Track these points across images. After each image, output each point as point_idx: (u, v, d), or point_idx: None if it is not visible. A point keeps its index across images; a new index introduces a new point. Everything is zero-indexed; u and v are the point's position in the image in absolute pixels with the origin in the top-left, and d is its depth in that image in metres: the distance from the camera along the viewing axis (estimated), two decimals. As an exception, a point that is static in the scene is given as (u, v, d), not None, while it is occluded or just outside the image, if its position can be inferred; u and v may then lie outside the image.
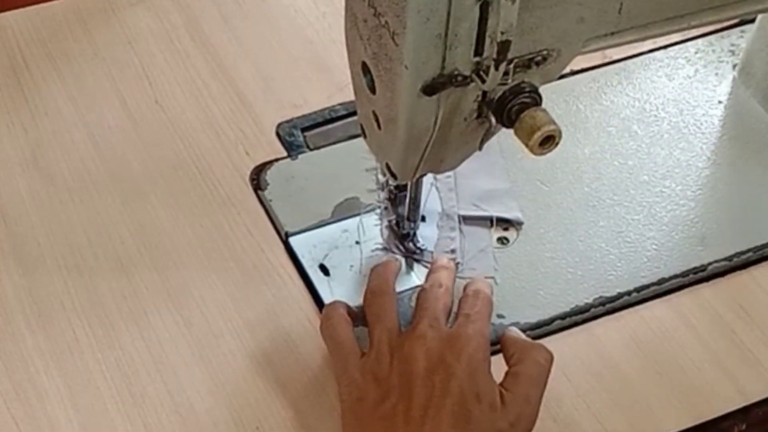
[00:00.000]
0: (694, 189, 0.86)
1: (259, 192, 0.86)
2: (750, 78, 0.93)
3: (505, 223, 0.84)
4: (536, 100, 0.63)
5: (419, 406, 0.66)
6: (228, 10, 1.00)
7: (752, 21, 0.92)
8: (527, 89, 0.63)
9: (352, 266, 0.81)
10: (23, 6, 0.99)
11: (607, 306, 0.80)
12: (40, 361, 0.76)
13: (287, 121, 0.91)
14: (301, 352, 0.77)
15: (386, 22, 0.60)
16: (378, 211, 0.83)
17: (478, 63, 0.62)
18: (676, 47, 0.97)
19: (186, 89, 0.94)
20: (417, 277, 0.80)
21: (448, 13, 0.58)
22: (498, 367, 0.71)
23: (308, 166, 0.87)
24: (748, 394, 0.76)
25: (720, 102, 0.93)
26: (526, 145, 0.63)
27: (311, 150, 0.89)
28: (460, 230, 0.83)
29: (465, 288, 0.75)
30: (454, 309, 0.74)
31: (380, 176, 0.84)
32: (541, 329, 0.78)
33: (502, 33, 0.59)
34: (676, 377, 0.76)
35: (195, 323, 0.78)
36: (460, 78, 0.62)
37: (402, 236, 0.81)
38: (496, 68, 0.61)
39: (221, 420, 0.74)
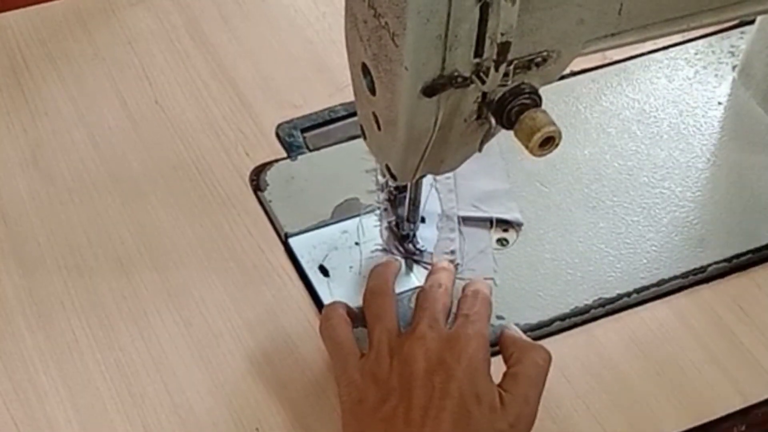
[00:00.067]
0: (694, 190, 0.86)
1: (259, 193, 0.86)
2: (750, 79, 0.93)
3: (504, 224, 0.84)
4: (536, 102, 0.63)
5: (419, 408, 0.66)
6: (228, 10, 1.00)
7: (752, 22, 0.92)
8: (527, 90, 0.63)
9: (351, 267, 0.81)
10: (23, 6, 0.99)
11: (607, 307, 0.80)
12: (40, 361, 0.76)
13: (287, 122, 0.91)
14: (301, 353, 0.77)
15: (386, 23, 0.60)
16: (378, 212, 0.83)
17: (478, 64, 0.62)
18: (676, 48, 0.97)
19: (186, 89, 0.94)
20: (416, 278, 0.80)
21: (448, 15, 0.58)
22: (497, 367, 0.71)
23: (308, 166, 0.87)
24: (747, 395, 0.76)
25: (720, 103, 0.93)
26: (526, 147, 0.63)
27: (311, 151, 0.89)
28: (460, 231, 0.83)
29: (464, 288, 0.75)
30: (454, 310, 0.74)
31: (380, 177, 0.84)
32: (541, 330, 0.78)
33: (502, 34, 0.59)
34: (675, 378, 0.76)
35: (195, 323, 0.78)
36: (460, 79, 0.62)
37: (401, 237, 0.81)
38: (496, 69, 0.61)
39: (221, 420, 0.74)
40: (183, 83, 0.94)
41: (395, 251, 0.81)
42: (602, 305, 0.80)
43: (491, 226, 0.84)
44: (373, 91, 0.66)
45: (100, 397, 0.74)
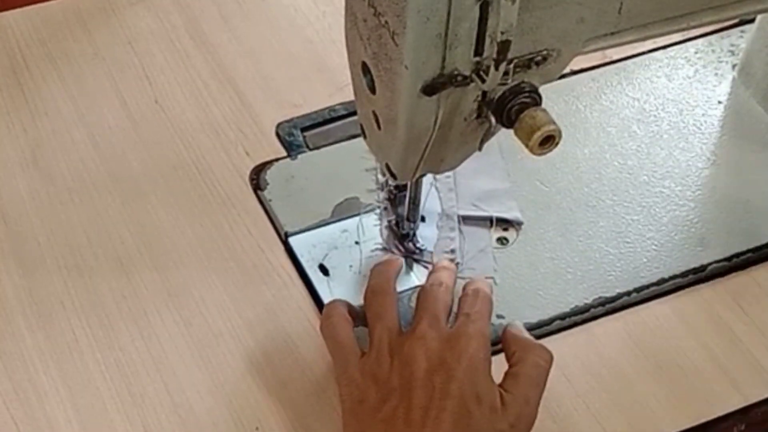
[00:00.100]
0: (694, 189, 0.86)
1: (259, 192, 0.86)
2: (750, 78, 0.93)
3: (504, 223, 0.84)
4: (536, 100, 0.63)
5: (420, 409, 0.66)
6: (228, 10, 1.00)
7: (752, 21, 0.92)
8: (527, 89, 0.63)
9: (351, 266, 0.81)
10: (23, 6, 0.99)
11: (607, 306, 0.80)
12: (40, 361, 0.76)
13: (287, 121, 0.91)
14: (301, 352, 0.77)
15: (386, 21, 0.60)
16: (378, 211, 0.83)
17: (478, 63, 0.62)
18: (676, 47, 0.97)
19: (186, 89, 0.94)
20: (416, 277, 0.80)
21: (448, 13, 0.58)
22: (498, 366, 0.71)
23: (308, 166, 0.87)
24: (747, 394, 0.76)
25: (720, 102, 0.93)
26: (526, 145, 0.63)
27: (311, 150, 0.89)
28: (460, 230, 0.83)
29: (464, 287, 0.75)
30: (455, 309, 0.74)
31: (380, 176, 0.84)
32: (541, 329, 0.78)
33: (502, 33, 0.59)
34: (675, 377, 0.76)
35: (195, 323, 0.78)
36: (460, 78, 0.62)
37: (401, 236, 0.81)
38: (496, 68, 0.61)
39: (221, 420, 0.74)
40: (183, 83, 0.94)
41: (395, 250, 0.81)
42: (602, 304, 0.80)
43: (491, 225, 0.84)
44: (373, 90, 0.66)
45: (100, 397, 0.74)
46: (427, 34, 0.59)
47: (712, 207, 0.85)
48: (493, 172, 0.86)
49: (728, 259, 0.82)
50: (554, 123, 0.62)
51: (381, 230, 0.82)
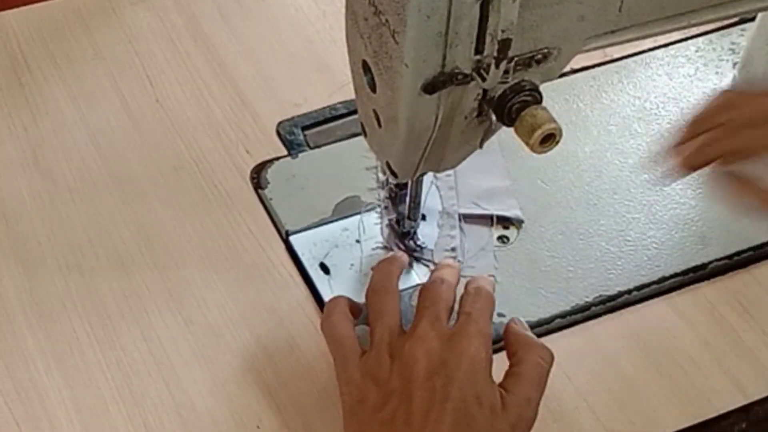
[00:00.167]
0: (695, 187, 0.86)
1: (260, 191, 0.86)
2: (750, 76, 0.93)
3: (505, 221, 0.84)
4: (537, 99, 0.63)
5: (420, 411, 0.66)
6: (228, 9, 1.00)
7: (752, 19, 0.92)
8: (528, 87, 0.63)
9: (352, 265, 0.81)
10: (24, 5, 0.99)
11: (608, 304, 0.80)
12: (41, 360, 0.76)
13: (288, 120, 0.91)
14: (302, 351, 0.77)
15: (387, 20, 0.60)
16: (378, 209, 0.83)
17: (478, 61, 0.62)
18: (677, 45, 0.97)
19: (186, 89, 0.94)
20: (417, 275, 0.80)
21: (449, 12, 0.58)
22: (499, 364, 0.71)
23: (309, 164, 0.87)
24: (748, 392, 0.76)
25: (720, 101, 0.93)
26: (527, 144, 0.63)
27: (312, 149, 0.89)
28: (461, 229, 0.83)
29: (466, 285, 0.75)
30: (456, 307, 0.74)
31: (381, 175, 0.84)
32: (542, 328, 0.78)
33: (503, 31, 0.59)
34: (676, 376, 0.76)
35: (195, 322, 0.78)
36: (460, 76, 0.62)
37: (402, 234, 0.81)
38: (497, 66, 0.61)
39: (222, 419, 0.74)
40: (183, 82, 0.94)
41: (396, 249, 0.81)
42: (603, 302, 0.80)
43: (492, 224, 0.84)
44: (373, 89, 0.66)
45: (102, 397, 0.74)
46: (428, 32, 0.59)
47: (712, 205, 0.85)
48: (493, 170, 0.86)
49: (729, 257, 0.82)
50: (555, 121, 0.62)
51: (382, 229, 0.82)
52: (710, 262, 0.82)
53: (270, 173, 0.87)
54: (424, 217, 0.82)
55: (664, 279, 0.81)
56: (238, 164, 0.88)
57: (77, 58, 0.96)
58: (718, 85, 0.94)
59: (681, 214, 0.85)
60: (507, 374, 0.70)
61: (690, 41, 0.98)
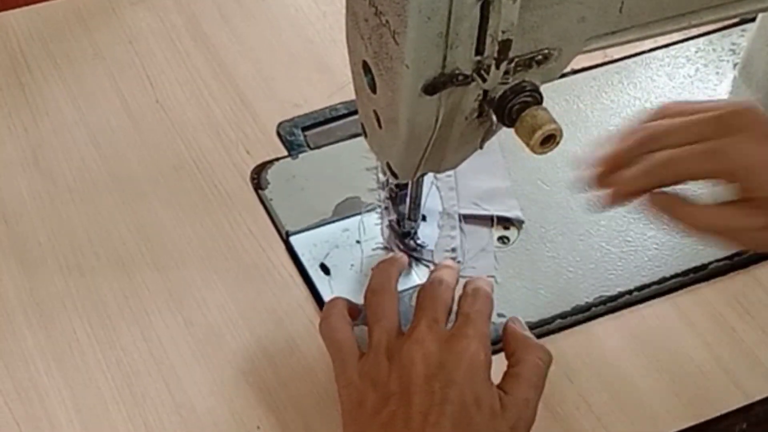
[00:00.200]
0: (695, 188, 0.86)
1: (260, 191, 0.86)
2: (751, 77, 0.93)
3: (505, 222, 0.84)
4: (537, 99, 0.63)
5: (419, 414, 0.66)
6: (228, 9, 1.00)
7: (753, 20, 0.92)
8: (528, 88, 0.63)
9: (352, 265, 0.81)
10: (24, 5, 0.99)
11: (608, 305, 0.80)
12: (41, 361, 0.76)
13: (288, 120, 0.91)
14: (302, 352, 0.77)
15: (387, 21, 0.60)
16: (379, 210, 0.83)
17: (479, 62, 0.62)
18: (677, 46, 0.97)
19: (186, 89, 0.94)
20: (417, 276, 0.80)
21: (449, 12, 0.58)
22: (498, 364, 0.71)
23: (309, 165, 0.87)
24: (749, 393, 0.76)
25: (721, 101, 0.93)
26: (527, 144, 0.63)
27: (312, 149, 0.89)
28: (461, 229, 0.83)
29: (464, 286, 0.74)
30: (455, 308, 0.74)
31: (381, 175, 0.84)
32: (542, 328, 0.78)
33: (503, 32, 0.59)
34: (676, 376, 0.76)
35: (196, 323, 0.78)
36: (461, 77, 0.62)
37: (402, 234, 0.81)
38: (497, 67, 0.61)
39: (222, 419, 0.74)
40: (184, 82, 0.94)
41: (396, 249, 0.81)
42: (603, 303, 0.80)
43: (492, 224, 0.84)
44: (374, 89, 0.66)
45: (102, 397, 0.74)
46: (428, 33, 0.59)
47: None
48: (494, 171, 0.86)
49: (729, 257, 0.82)
50: (555, 122, 0.62)
51: (382, 229, 0.82)
52: (710, 263, 0.82)
53: (270, 174, 0.87)
54: (424, 218, 0.82)
55: (664, 279, 0.81)
56: (238, 164, 0.88)
57: (77, 58, 0.96)
58: (719, 85, 0.94)
59: (681, 215, 0.85)
60: (505, 375, 0.70)
61: (690, 42, 0.98)
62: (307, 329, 0.78)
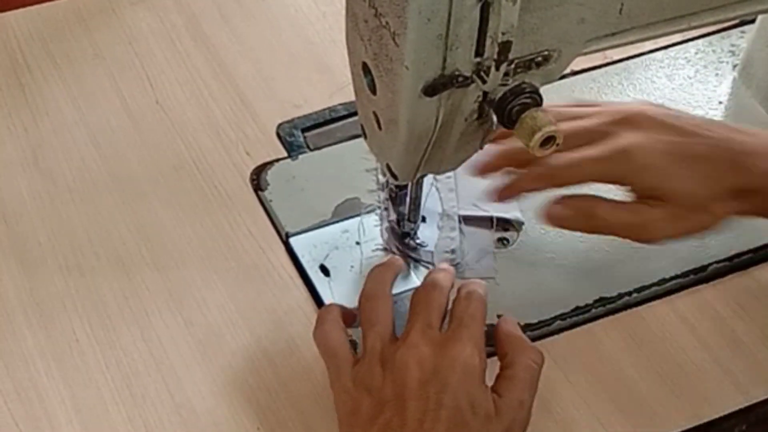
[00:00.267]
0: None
1: (260, 192, 0.86)
2: (750, 78, 0.93)
3: (505, 223, 0.84)
4: (537, 101, 0.63)
5: (414, 420, 0.65)
6: (228, 10, 1.00)
7: (752, 21, 0.92)
8: (528, 90, 0.63)
9: (352, 267, 0.81)
10: (24, 6, 0.99)
11: (608, 306, 0.80)
12: (41, 361, 0.76)
13: (288, 121, 0.91)
14: (302, 352, 0.77)
15: (387, 22, 0.60)
16: (378, 211, 0.83)
17: (478, 63, 0.62)
18: (677, 48, 0.97)
19: (186, 89, 0.94)
20: (416, 277, 0.80)
21: (449, 14, 0.58)
22: (493, 367, 0.71)
23: (309, 166, 0.87)
24: (748, 394, 0.76)
25: (720, 102, 0.93)
26: (527, 146, 0.63)
27: (312, 150, 0.89)
28: (461, 230, 0.83)
29: (458, 290, 0.74)
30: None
31: (381, 177, 0.84)
32: (542, 330, 0.78)
33: (503, 34, 0.60)
34: (676, 378, 0.76)
35: (195, 323, 0.78)
36: (460, 78, 0.62)
37: (402, 235, 0.81)
38: (497, 69, 0.61)
39: (222, 420, 0.74)
40: (183, 83, 0.94)
41: (396, 251, 0.81)
42: (603, 304, 0.80)
43: (492, 226, 0.84)
44: (373, 91, 0.66)
45: (102, 397, 0.74)
46: (428, 34, 0.59)
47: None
48: (493, 172, 0.86)
49: (729, 259, 0.82)
50: (555, 123, 0.62)
51: (382, 231, 0.82)
52: (710, 264, 0.82)
53: (270, 175, 0.87)
54: (424, 219, 0.82)
55: (664, 281, 0.81)
56: (238, 165, 0.88)
57: (77, 58, 0.96)
58: (718, 86, 0.94)
59: (681, 216, 0.85)
60: (498, 377, 0.70)
61: (690, 43, 0.98)
62: (306, 330, 0.78)
